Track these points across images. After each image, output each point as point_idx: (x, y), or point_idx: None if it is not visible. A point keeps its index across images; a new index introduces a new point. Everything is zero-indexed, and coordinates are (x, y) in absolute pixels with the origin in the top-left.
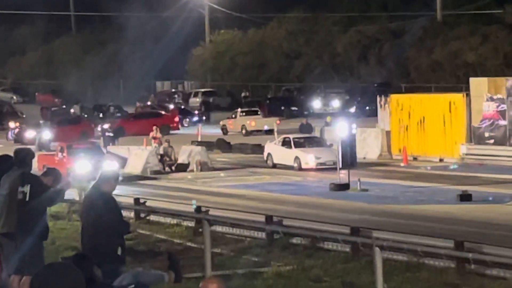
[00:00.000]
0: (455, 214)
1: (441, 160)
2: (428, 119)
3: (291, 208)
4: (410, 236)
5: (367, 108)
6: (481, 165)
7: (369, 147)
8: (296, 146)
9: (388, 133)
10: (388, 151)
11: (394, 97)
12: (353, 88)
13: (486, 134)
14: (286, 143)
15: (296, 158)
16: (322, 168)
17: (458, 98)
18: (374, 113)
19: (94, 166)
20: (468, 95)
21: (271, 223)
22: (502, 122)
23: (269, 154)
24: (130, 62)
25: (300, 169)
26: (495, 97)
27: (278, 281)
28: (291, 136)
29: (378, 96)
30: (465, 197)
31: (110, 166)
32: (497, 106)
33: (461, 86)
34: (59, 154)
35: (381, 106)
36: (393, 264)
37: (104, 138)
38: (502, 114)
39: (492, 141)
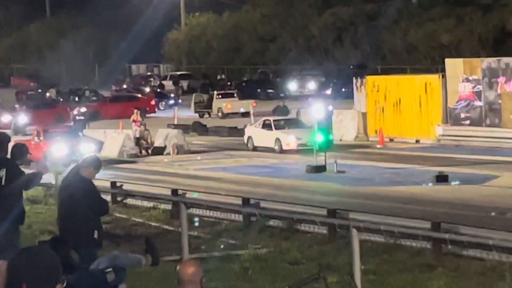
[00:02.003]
0: (431, 195)
1: (417, 141)
2: (404, 100)
3: (268, 191)
4: (387, 217)
5: (343, 90)
6: (457, 146)
7: (345, 129)
8: (276, 128)
9: (364, 115)
10: (364, 132)
11: (370, 79)
12: (328, 70)
13: (462, 115)
14: (266, 126)
15: (277, 139)
16: (303, 149)
17: (434, 79)
18: (350, 95)
19: (71, 149)
20: (443, 76)
21: (248, 206)
22: (478, 103)
23: (249, 137)
24: (105, 46)
25: (281, 150)
26: (470, 78)
27: (255, 263)
28: (271, 118)
29: (354, 78)
30: (442, 178)
31: (87, 148)
32: (473, 87)
33: (437, 68)
34: (36, 138)
35: (357, 88)
36: (370, 246)
37: (75, 123)
38: (478, 95)
39: (468, 122)
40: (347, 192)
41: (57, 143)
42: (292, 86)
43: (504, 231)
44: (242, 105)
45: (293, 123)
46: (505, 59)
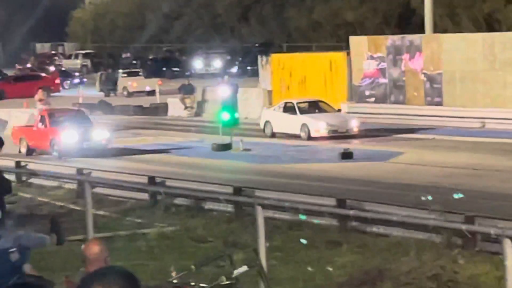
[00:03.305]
0: (337, 172)
1: None
2: (309, 78)
3: (174, 169)
4: (293, 194)
5: (249, 68)
6: (362, 123)
7: (251, 107)
8: (302, 112)
9: (270, 93)
10: None
11: (275, 56)
12: (234, 48)
13: (367, 93)
14: (289, 109)
15: (304, 125)
16: (335, 136)
17: (338, 57)
18: (255, 73)
19: (82, 137)
20: (348, 54)
21: (154, 184)
22: (382, 80)
23: (267, 122)
24: (9, 25)
25: (309, 138)
26: (375, 55)
27: (162, 242)
28: (294, 101)
29: (259, 56)
30: (347, 155)
31: (99, 136)
32: (377, 65)
33: (342, 45)
34: (40, 123)
35: (262, 66)
36: (276, 223)
37: None
38: (382, 72)
39: (373, 99)
40: (254, 169)
41: (66, 130)
42: (197, 64)
43: (407, 207)
44: (148, 84)
45: (319, 107)
46: (409, 37)
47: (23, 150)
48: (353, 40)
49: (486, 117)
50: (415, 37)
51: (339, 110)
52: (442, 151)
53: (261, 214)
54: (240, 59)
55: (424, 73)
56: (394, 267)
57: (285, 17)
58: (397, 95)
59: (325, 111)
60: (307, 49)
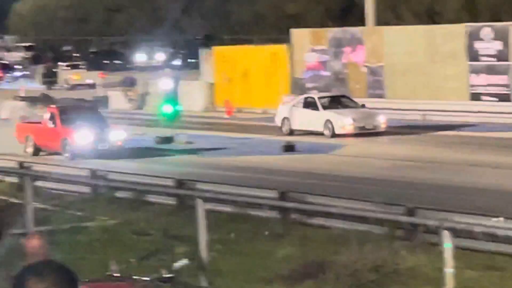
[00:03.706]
0: (279, 165)
1: (265, 111)
2: (251, 71)
3: (118, 162)
4: (235, 187)
5: (191, 61)
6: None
7: (193, 100)
8: (325, 108)
9: (212, 86)
10: (212, 103)
11: (217, 49)
12: (176, 41)
13: (309, 85)
14: (310, 104)
15: (328, 122)
16: (362, 133)
17: (280, 49)
18: (198, 66)
19: (98, 137)
20: (290, 46)
21: (96, 178)
22: (325, 73)
23: (285, 118)
24: None
25: (334, 135)
26: (317, 48)
27: (103, 235)
28: (315, 96)
29: (201, 49)
30: (289, 148)
31: (116, 136)
32: (320, 57)
33: (284, 38)
34: (49, 122)
35: (204, 59)
36: (218, 216)
37: None
38: (324, 65)
39: (315, 91)
40: (196, 162)
41: (80, 129)
42: (139, 57)
43: (349, 199)
44: (89, 76)
45: (343, 102)
46: (350, 29)
47: (30, 150)
48: (295, 32)
49: (427, 109)
50: (356, 30)
51: (363, 106)
52: (384, 143)
53: (201, 207)
54: (183, 52)
55: (366, 66)
56: (335, 259)
57: (227, 10)
58: (339, 88)
59: (349, 106)
60: (249, 42)
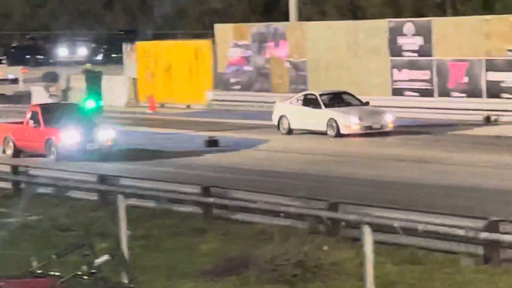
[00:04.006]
0: (202, 160)
1: (188, 106)
2: (174, 66)
3: (39, 158)
4: (158, 182)
5: (114, 55)
6: (227, 111)
7: (116, 95)
8: (327, 106)
9: (135, 81)
10: (135, 98)
11: (140, 44)
12: (99, 35)
13: (232, 80)
14: (310, 102)
15: (331, 121)
16: (368, 132)
17: (204, 44)
18: (120, 61)
19: (86, 137)
20: (214, 41)
21: (18, 174)
22: (248, 68)
23: (282, 117)
24: None
25: (338, 135)
26: (240, 43)
27: (25, 231)
28: (316, 93)
29: (124, 43)
30: (212, 143)
31: (105, 136)
32: (243, 52)
33: (207, 33)
34: (31, 121)
35: (127, 54)
36: (141, 211)
37: None
38: (248, 60)
39: (238, 86)
40: (120, 157)
41: (66, 129)
42: (62, 52)
43: (271, 194)
44: (11, 71)
45: (344, 99)
46: (274, 24)
47: (9, 151)
48: (218, 27)
49: None
50: (279, 25)
51: (367, 103)
52: (307, 139)
53: (122, 202)
54: (105, 47)
55: (289, 61)
56: (258, 254)
57: (151, 5)
58: (263, 83)
59: (352, 104)
60: (173, 36)
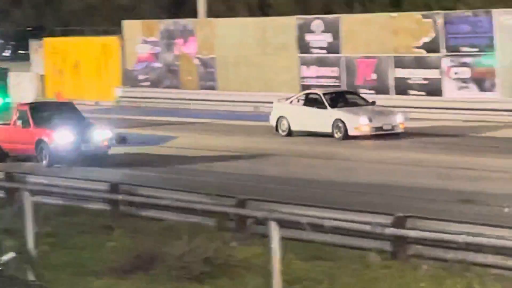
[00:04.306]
0: (111, 157)
1: (96, 103)
2: (83, 62)
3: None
4: (65, 180)
5: (21, 52)
6: (136, 108)
7: (24, 92)
8: (332, 106)
9: (42, 77)
10: (43, 95)
11: (47, 40)
12: (6, 32)
13: (141, 77)
14: (313, 102)
15: (337, 121)
16: (379, 134)
17: (112, 41)
18: (28, 57)
19: (80, 136)
20: (122, 38)
21: None
22: (156, 65)
23: (281, 118)
24: None
25: (346, 136)
26: (149, 40)
27: None
28: (319, 92)
29: (31, 40)
30: (121, 140)
31: (100, 136)
32: (151, 49)
33: (116, 30)
34: (18, 121)
35: (34, 50)
36: (49, 209)
37: None
38: (156, 56)
39: (147, 83)
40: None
41: (58, 129)
42: None
43: (179, 191)
44: None
45: (349, 98)
46: (182, 21)
47: None
48: (127, 24)
49: (259, 101)
50: (188, 22)
51: (374, 102)
52: (216, 135)
53: (28, 200)
54: (13, 43)
55: (198, 58)
56: (167, 251)
57: (59, 1)
58: (172, 79)
59: (358, 103)
60: (81, 33)
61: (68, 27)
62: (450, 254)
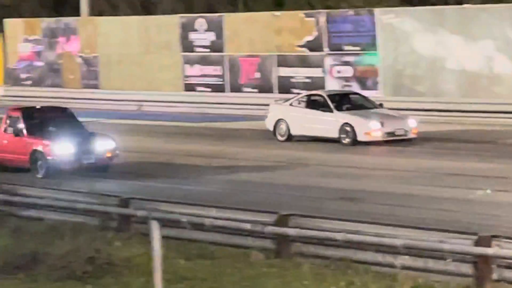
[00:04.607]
0: None
1: None
2: None
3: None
4: None
5: None
6: None
7: None
8: (338, 109)
9: None
10: None
11: None
12: None
13: (23, 76)
14: (316, 104)
15: (345, 126)
16: (391, 140)
17: None
18: None
19: (81, 148)
20: (3, 36)
21: None
22: (38, 63)
23: (279, 121)
24: None
25: (355, 142)
26: (30, 38)
27: None
28: (323, 93)
29: None
30: None
31: (102, 146)
32: (33, 48)
33: None
34: (9, 128)
35: None
36: None
37: None
38: (38, 55)
39: (29, 82)
40: None
41: (56, 138)
42: None
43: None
44: None
45: (355, 101)
46: (65, 19)
47: None
48: (8, 22)
49: (143, 99)
50: (70, 20)
51: (381, 105)
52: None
53: None
54: None
55: (80, 56)
56: (49, 251)
57: None
58: (54, 78)
59: (364, 106)
60: None
61: None
62: (331, 251)
